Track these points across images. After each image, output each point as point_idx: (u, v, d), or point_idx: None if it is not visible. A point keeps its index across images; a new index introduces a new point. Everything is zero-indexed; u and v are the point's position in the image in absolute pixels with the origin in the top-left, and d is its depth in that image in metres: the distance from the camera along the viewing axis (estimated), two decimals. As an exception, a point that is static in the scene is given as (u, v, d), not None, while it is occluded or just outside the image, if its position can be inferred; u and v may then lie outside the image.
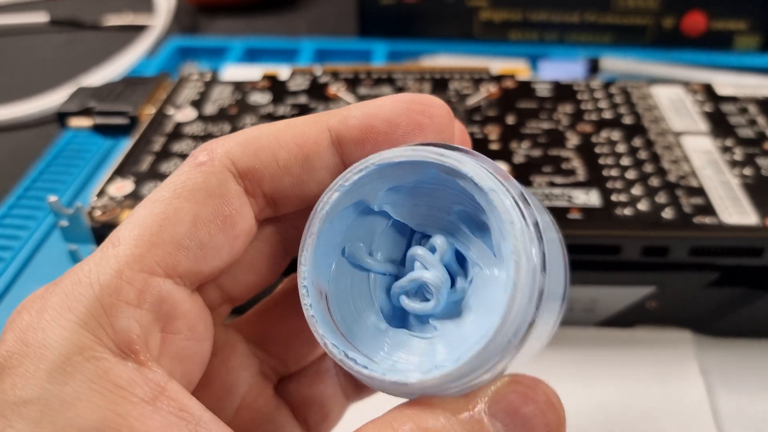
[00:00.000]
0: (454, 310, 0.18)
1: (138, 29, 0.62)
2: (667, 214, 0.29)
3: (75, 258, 0.34)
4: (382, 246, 0.19)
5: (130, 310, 0.15)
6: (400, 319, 0.19)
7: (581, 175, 0.32)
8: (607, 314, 0.32)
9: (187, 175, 0.17)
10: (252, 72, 0.42)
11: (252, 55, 0.56)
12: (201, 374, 0.18)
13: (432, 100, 0.18)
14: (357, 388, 0.23)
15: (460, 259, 0.18)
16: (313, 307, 0.17)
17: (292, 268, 0.20)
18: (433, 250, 0.18)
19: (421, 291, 0.18)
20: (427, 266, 0.18)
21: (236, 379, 0.21)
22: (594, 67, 0.48)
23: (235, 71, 0.44)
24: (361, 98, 0.38)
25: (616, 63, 0.48)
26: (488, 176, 0.16)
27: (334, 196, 0.17)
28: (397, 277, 0.19)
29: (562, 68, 0.48)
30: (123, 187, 0.32)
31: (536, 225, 0.16)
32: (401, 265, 0.19)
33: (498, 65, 0.43)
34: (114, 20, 0.65)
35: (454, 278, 0.18)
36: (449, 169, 0.17)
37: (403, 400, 0.17)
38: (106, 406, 0.14)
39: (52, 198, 0.31)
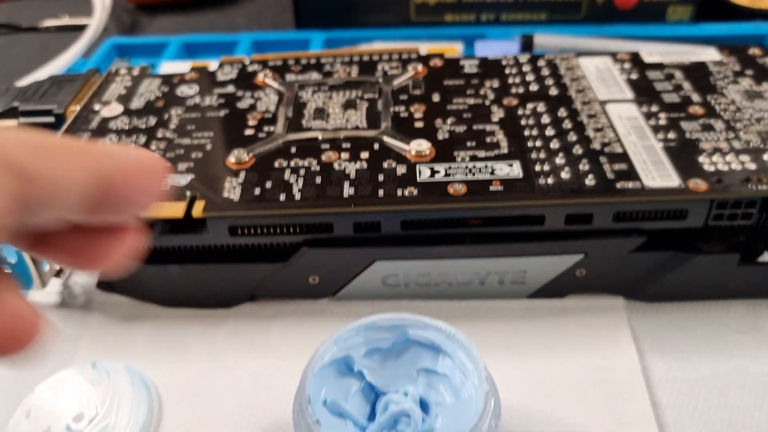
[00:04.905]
0: None
1: (77, 30, 0.61)
2: (590, 180, 0.29)
3: None
4: (354, 404, 0.24)
5: None
6: None
7: (504, 147, 0.32)
8: (538, 285, 0.32)
9: None
10: (185, 66, 0.41)
11: (190, 51, 0.55)
12: None
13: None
14: None
15: (423, 407, 0.24)
16: None
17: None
18: (405, 395, 0.24)
19: (395, 427, 0.23)
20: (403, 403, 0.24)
21: None
22: (528, 45, 0.48)
23: (169, 67, 0.43)
24: (289, 84, 0.38)
25: (549, 39, 0.48)
26: (452, 327, 0.25)
27: (332, 348, 0.24)
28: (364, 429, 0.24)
29: (497, 47, 0.48)
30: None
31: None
32: (369, 420, 0.24)
33: (431, 47, 0.43)
34: (51, 22, 0.64)
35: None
36: (424, 324, 0.25)
37: None
38: None
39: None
